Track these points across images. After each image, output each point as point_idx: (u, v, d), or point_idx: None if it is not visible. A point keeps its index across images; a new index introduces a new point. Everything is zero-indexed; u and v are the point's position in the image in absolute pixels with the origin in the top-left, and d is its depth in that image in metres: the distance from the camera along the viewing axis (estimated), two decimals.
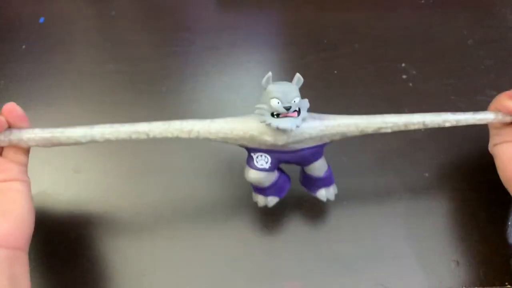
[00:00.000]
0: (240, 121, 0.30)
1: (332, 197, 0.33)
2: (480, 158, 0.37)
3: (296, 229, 0.35)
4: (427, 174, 0.37)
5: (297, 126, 0.28)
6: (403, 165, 0.38)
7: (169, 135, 0.30)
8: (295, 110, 0.28)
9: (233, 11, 0.48)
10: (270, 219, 0.35)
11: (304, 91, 0.42)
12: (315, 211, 0.35)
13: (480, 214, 0.35)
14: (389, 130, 0.31)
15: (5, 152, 0.29)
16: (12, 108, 0.29)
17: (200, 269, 0.33)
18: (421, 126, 0.31)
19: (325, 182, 0.33)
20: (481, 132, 0.36)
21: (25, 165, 0.30)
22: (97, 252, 0.34)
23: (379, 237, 0.34)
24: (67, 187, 0.37)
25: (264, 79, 0.28)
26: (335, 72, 0.43)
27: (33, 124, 0.40)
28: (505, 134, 0.33)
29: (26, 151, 0.30)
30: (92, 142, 0.30)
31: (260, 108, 0.28)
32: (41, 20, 0.47)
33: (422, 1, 0.48)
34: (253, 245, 0.34)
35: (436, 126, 0.31)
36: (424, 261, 0.34)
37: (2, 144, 0.29)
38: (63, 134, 0.29)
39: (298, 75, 0.28)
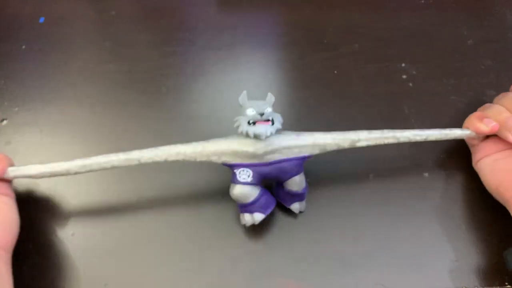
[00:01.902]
0: (223, 140, 0.33)
1: (303, 209, 0.35)
2: None
3: (295, 229, 0.35)
4: (427, 174, 0.37)
5: (271, 133, 0.31)
6: (403, 165, 0.38)
7: (158, 159, 0.33)
8: (269, 120, 0.31)
9: (233, 11, 0.48)
10: (269, 218, 0.35)
11: (304, 91, 0.42)
12: (315, 211, 0.35)
13: (480, 214, 0.35)
14: (364, 144, 0.33)
15: None
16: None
17: (199, 269, 0.33)
18: (394, 141, 0.34)
19: (300, 197, 0.34)
20: None
21: (11, 181, 0.33)
22: (96, 251, 0.34)
23: (379, 237, 0.34)
24: (67, 185, 0.37)
25: (240, 97, 0.32)
26: (335, 72, 0.43)
27: (34, 124, 0.40)
28: (483, 149, 0.35)
29: None
30: (90, 172, 0.33)
31: (238, 120, 0.32)
32: (41, 20, 0.47)
33: (422, 1, 0.48)
34: (252, 244, 0.34)
35: (407, 141, 0.34)
36: (424, 261, 0.34)
37: (10, 179, 0.33)
38: (61, 167, 0.32)
39: (269, 94, 0.33)
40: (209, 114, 0.41)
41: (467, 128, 0.35)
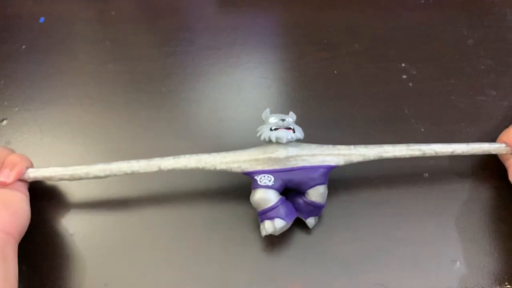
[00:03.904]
0: (244, 150, 0.33)
1: (315, 224, 0.34)
2: (479, 158, 0.37)
3: (296, 229, 0.35)
4: (427, 175, 0.37)
5: (292, 138, 0.31)
6: (403, 165, 0.38)
7: (178, 166, 0.33)
8: (290, 128, 0.32)
9: (233, 11, 0.48)
10: None
11: (303, 91, 0.42)
12: None
13: (480, 214, 0.35)
14: (390, 156, 0.33)
15: None
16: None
17: (200, 270, 0.33)
18: (420, 154, 0.33)
19: (319, 210, 0.33)
20: (480, 133, 0.36)
21: (27, 182, 0.34)
22: (96, 251, 0.34)
23: (379, 237, 0.34)
24: (67, 185, 0.37)
25: (263, 113, 0.33)
26: (335, 72, 0.43)
27: (34, 124, 0.40)
28: None
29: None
30: (111, 176, 0.33)
31: (260, 129, 0.32)
32: (41, 20, 0.47)
33: (422, 1, 0.48)
34: (254, 245, 0.34)
35: (434, 155, 0.33)
36: (424, 261, 0.34)
37: (29, 180, 0.34)
38: (81, 170, 0.33)
39: (291, 113, 0.34)
40: (209, 114, 0.41)
41: (504, 142, 0.33)
